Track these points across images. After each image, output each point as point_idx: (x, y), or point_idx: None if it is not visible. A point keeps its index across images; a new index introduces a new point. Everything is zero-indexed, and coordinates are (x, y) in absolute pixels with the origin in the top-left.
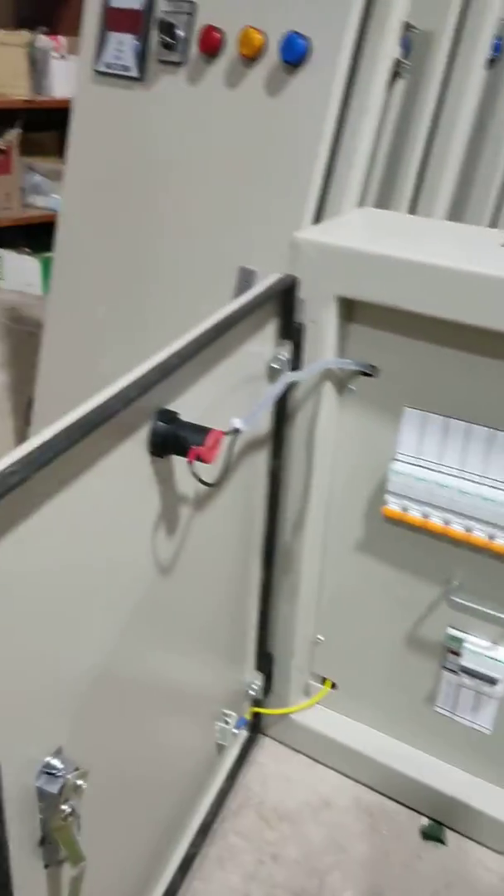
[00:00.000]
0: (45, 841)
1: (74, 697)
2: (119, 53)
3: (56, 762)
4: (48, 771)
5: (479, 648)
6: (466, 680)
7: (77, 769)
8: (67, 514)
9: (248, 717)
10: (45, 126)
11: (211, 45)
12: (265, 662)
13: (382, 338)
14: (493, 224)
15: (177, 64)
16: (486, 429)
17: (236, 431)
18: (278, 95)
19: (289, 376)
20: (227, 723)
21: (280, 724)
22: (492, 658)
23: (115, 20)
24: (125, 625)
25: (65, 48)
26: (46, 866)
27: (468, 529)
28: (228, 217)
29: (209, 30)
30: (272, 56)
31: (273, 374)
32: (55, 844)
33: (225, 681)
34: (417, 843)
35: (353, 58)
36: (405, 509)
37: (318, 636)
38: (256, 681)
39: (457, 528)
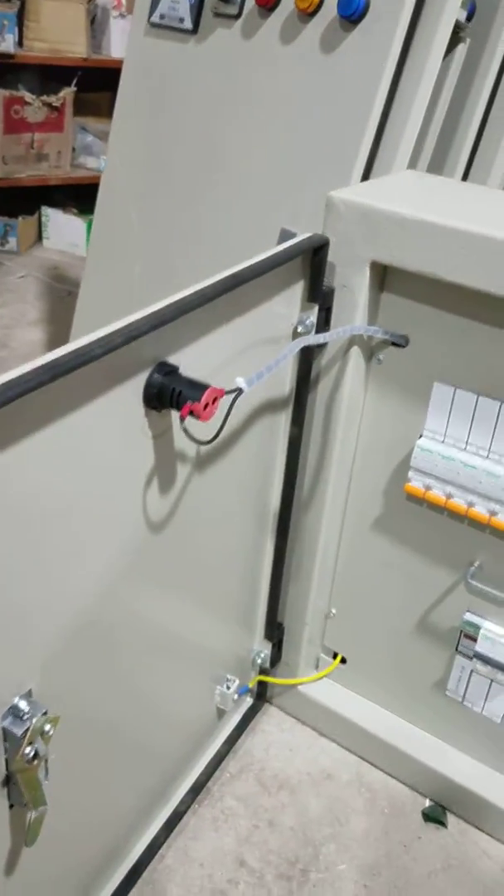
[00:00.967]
0: (9, 781)
1: (50, 640)
2: (174, 5)
3: (23, 704)
4: (15, 713)
5: (496, 635)
6: (480, 666)
7: (45, 714)
8: (56, 447)
9: (251, 684)
10: (100, 86)
11: None
12: (275, 632)
13: (416, 308)
14: None
15: (232, 17)
16: None
17: (238, 391)
18: (333, 53)
19: (306, 339)
20: (228, 687)
21: (287, 695)
22: None
23: None
24: (114, 573)
25: (125, 7)
26: (11, 806)
27: (492, 513)
28: (274, 178)
29: None
30: (329, 11)
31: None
32: (18, 786)
33: (230, 645)
34: (418, 823)
35: (412, 17)
36: (428, 488)
37: (332, 610)
38: (265, 650)
39: (480, 510)
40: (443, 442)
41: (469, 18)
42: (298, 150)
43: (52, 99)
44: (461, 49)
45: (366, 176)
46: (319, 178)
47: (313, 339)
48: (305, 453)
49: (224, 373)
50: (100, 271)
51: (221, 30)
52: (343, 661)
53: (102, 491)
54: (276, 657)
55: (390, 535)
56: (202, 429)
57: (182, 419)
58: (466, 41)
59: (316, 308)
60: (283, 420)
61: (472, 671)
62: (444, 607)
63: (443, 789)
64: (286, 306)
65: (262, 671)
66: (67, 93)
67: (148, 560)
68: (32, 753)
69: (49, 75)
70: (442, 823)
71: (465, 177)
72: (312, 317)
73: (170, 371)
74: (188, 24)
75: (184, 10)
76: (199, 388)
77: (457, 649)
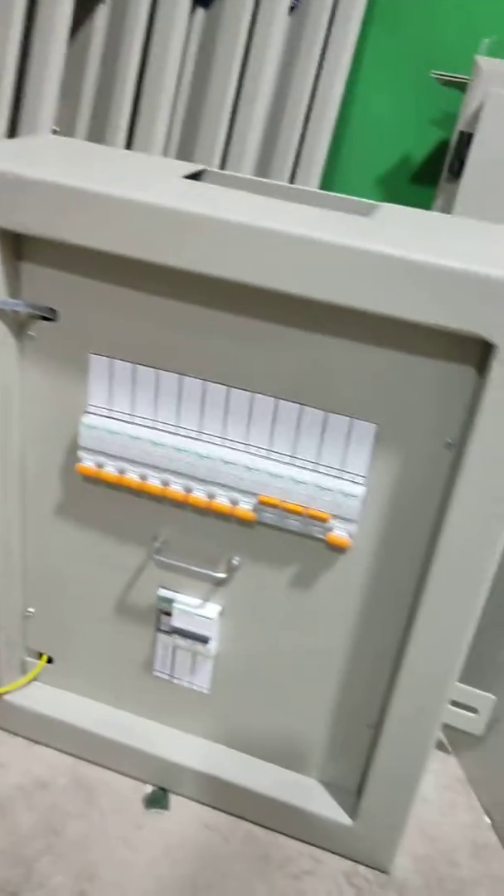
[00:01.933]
0: None
1: None
2: None
3: None
4: None
5: (188, 607)
6: (180, 641)
7: None
8: None
9: None
10: None
11: None
12: None
13: (62, 279)
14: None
15: None
16: (174, 375)
17: None
18: None
19: None
20: None
21: None
22: (202, 616)
23: None
24: None
25: None
26: None
27: (165, 483)
28: None
29: None
30: None
31: None
32: None
33: None
34: (140, 813)
35: None
36: (100, 466)
37: (29, 608)
38: None
39: (154, 482)
40: (108, 416)
41: None
42: None
43: None
44: (103, 11)
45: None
46: None
47: None
48: None
49: None
50: None
51: None
52: (50, 660)
53: None
54: None
55: (74, 521)
56: None
57: None
58: (107, 2)
59: None
60: None
61: (174, 647)
62: (138, 587)
63: (162, 771)
64: None
65: None
66: None
67: None
68: None
69: None
70: (164, 807)
71: (128, 143)
72: None
73: None
74: None
75: None
76: None
77: (157, 628)
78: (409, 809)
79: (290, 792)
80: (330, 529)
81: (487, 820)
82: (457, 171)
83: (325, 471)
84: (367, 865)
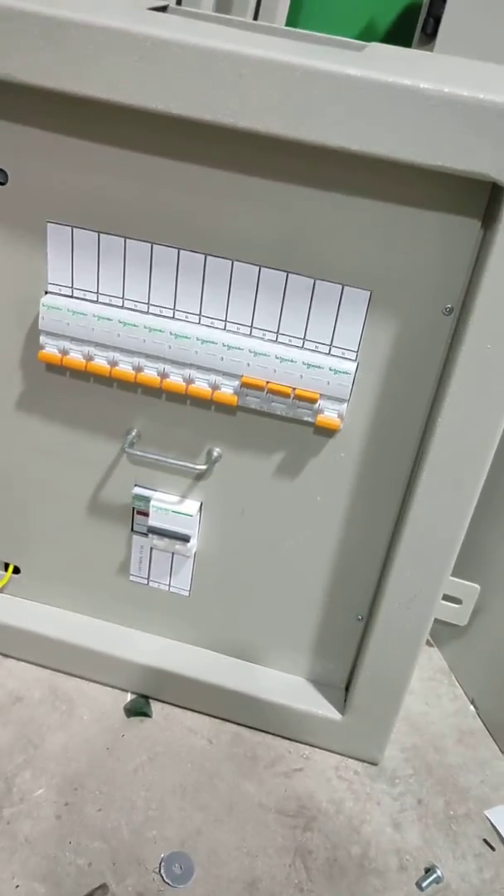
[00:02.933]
0: None
1: None
2: None
3: None
4: None
5: (166, 505)
6: (158, 541)
7: None
8: None
9: None
10: None
11: None
12: None
13: (13, 133)
14: None
15: None
16: (144, 244)
17: None
18: None
19: None
20: None
21: None
22: (181, 513)
23: None
24: None
25: None
26: None
27: (138, 369)
28: None
29: None
30: None
31: None
32: None
33: None
34: (122, 721)
35: None
36: (65, 352)
37: None
38: None
39: (125, 367)
40: (71, 296)
41: None
42: None
43: None
44: None
45: None
46: None
47: None
48: None
49: None
50: None
51: None
52: (16, 570)
53: None
54: None
55: (37, 415)
56: None
57: None
58: None
59: None
60: None
61: (151, 549)
62: (111, 486)
63: (142, 678)
64: None
65: None
66: None
67: None
68: None
69: None
70: (146, 714)
71: None
72: None
73: None
74: None
75: None
76: None
77: (132, 529)
78: (400, 701)
79: (278, 691)
80: (319, 411)
81: (472, 708)
82: (431, 31)
83: (313, 346)
84: (357, 759)
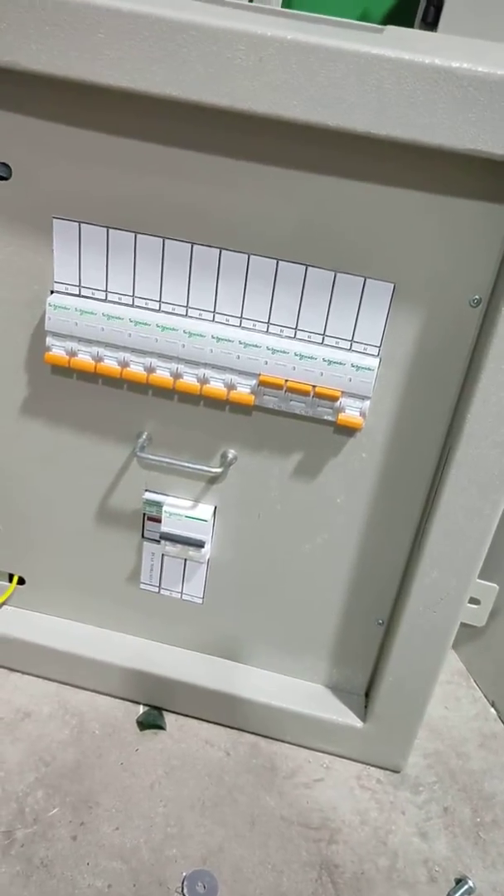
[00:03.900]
0: None
1: None
2: None
3: None
4: None
5: (180, 510)
6: (170, 548)
7: None
8: None
9: None
10: None
11: None
12: None
13: (17, 124)
14: None
15: None
16: (155, 239)
17: None
18: None
19: None
20: None
21: None
22: (195, 518)
23: None
24: None
25: None
26: None
27: (150, 369)
28: None
29: None
30: None
31: None
32: None
33: None
34: (135, 735)
35: None
36: (73, 353)
37: None
38: None
39: (137, 368)
40: (79, 294)
41: None
42: None
43: None
44: None
45: None
46: None
47: None
48: None
49: None
50: None
51: None
52: (21, 581)
53: None
54: None
55: (43, 420)
56: None
57: None
58: None
59: None
60: None
61: (163, 555)
62: (120, 492)
63: (155, 689)
64: None
65: None
66: None
67: None
68: None
69: None
70: (160, 727)
71: None
72: None
73: None
74: None
75: None
76: None
77: (143, 536)
78: (424, 707)
79: (296, 699)
80: (341, 409)
81: (493, 710)
82: (432, 20)
83: (334, 342)
84: (379, 767)
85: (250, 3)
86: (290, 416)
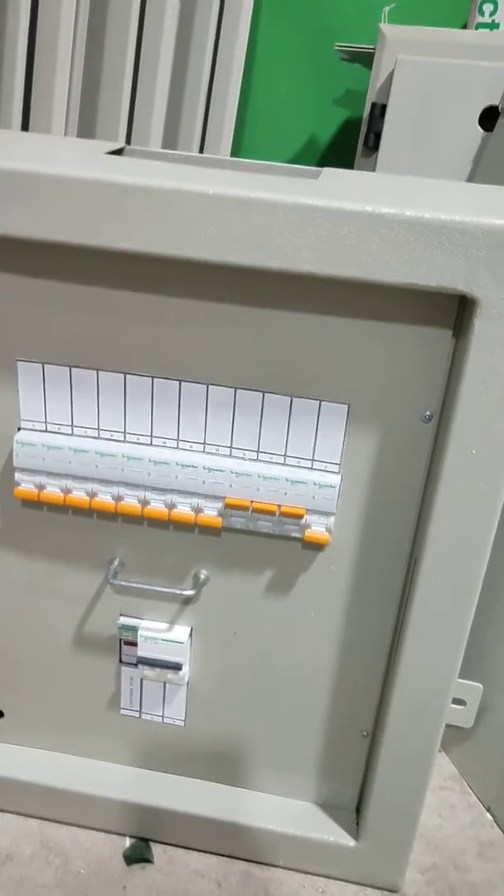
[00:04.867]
0: None
1: None
2: None
3: None
4: None
5: (155, 633)
6: (148, 671)
7: None
8: None
9: None
10: None
11: None
12: None
13: None
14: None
15: None
16: (117, 375)
17: None
18: None
19: None
20: None
21: None
22: (170, 640)
23: None
24: None
25: None
26: None
27: (118, 498)
28: None
29: None
30: None
31: None
32: None
33: None
34: (122, 871)
35: None
36: (41, 487)
37: None
38: None
39: (105, 498)
40: (45, 430)
41: None
42: None
43: None
44: None
45: None
46: None
47: None
48: None
49: None
50: None
51: None
52: (0, 714)
53: None
54: None
55: (15, 552)
56: None
57: None
58: None
59: None
60: None
61: (141, 679)
62: (95, 618)
63: (140, 820)
64: None
65: None
66: None
67: None
68: None
69: None
70: (147, 860)
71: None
72: None
73: None
74: None
75: None
76: None
77: (120, 660)
78: (416, 820)
79: (285, 820)
80: (307, 526)
81: (489, 816)
82: (373, 145)
83: (295, 462)
84: (376, 887)
85: (200, 155)
86: (259, 534)
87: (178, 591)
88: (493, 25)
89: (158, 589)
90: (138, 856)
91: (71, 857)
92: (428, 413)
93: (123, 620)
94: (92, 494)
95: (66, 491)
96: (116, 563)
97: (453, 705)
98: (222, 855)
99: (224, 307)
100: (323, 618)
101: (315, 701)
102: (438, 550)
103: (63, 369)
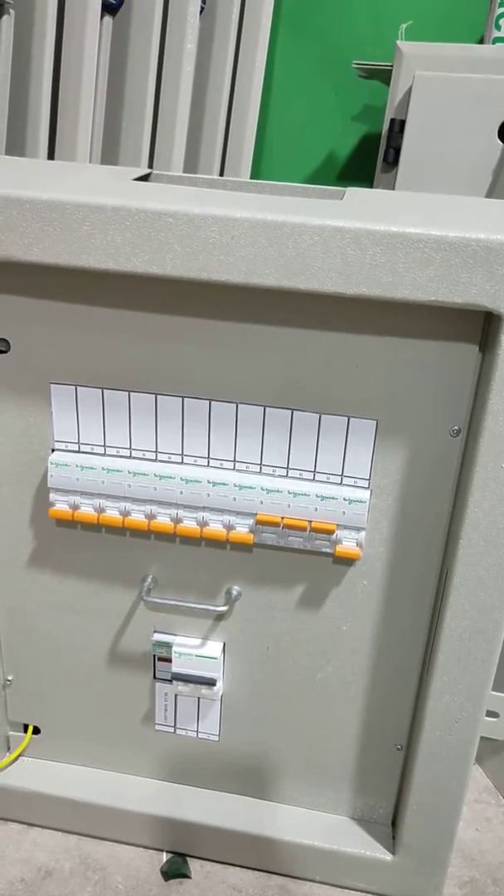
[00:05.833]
0: None
1: None
2: None
3: None
4: None
5: (189, 649)
6: (182, 687)
7: None
8: None
9: None
10: None
11: None
12: None
13: (14, 303)
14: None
15: None
16: (148, 395)
17: None
18: None
19: None
20: None
21: None
22: (204, 656)
23: None
24: None
25: None
26: None
27: (151, 516)
28: None
29: None
30: None
31: None
32: None
33: None
34: (160, 886)
35: None
36: (76, 507)
37: (7, 676)
38: None
39: (138, 516)
40: (78, 451)
41: None
42: None
43: None
44: (7, 21)
45: None
46: None
47: None
48: None
49: None
50: None
51: None
52: (36, 731)
53: None
54: None
55: (50, 571)
56: None
57: None
58: (11, 13)
59: None
60: None
61: (175, 695)
62: (130, 635)
63: (178, 835)
64: None
65: None
66: None
67: None
68: None
69: None
70: (185, 875)
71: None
72: None
73: None
74: None
75: None
76: None
77: (155, 676)
78: (454, 834)
79: (321, 835)
80: (338, 541)
81: None
82: (392, 160)
83: (324, 478)
84: None
85: (226, 178)
86: (290, 550)
87: (211, 608)
88: None
89: (191, 605)
90: (175, 871)
91: (109, 873)
92: (456, 427)
93: (158, 637)
94: (125, 513)
95: (100, 510)
96: (150, 580)
97: (487, 717)
98: (259, 870)
99: (252, 327)
100: (355, 632)
101: (348, 715)
102: (469, 563)
103: (95, 391)
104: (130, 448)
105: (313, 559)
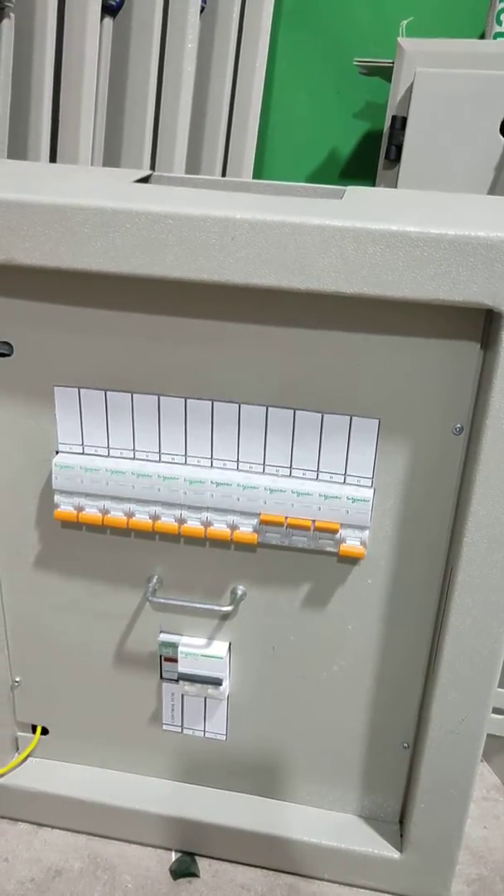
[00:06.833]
0: None
1: None
2: None
3: None
4: None
5: (194, 649)
6: (189, 687)
7: None
8: None
9: None
10: None
11: None
12: None
13: (17, 307)
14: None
15: None
16: (151, 397)
17: None
18: None
19: None
20: None
21: None
22: (210, 656)
23: None
24: None
25: None
26: None
27: (155, 517)
28: None
29: None
30: None
31: None
32: None
33: None
34: (168, 885)
35: None
36: (80, 508)
37: (15, 678)
38: None
39: (142, 517)
40: (82, 453)
41: None
42: None
43: None
44: (7, 24)
45: None
46: None
47: None
48: None
49: None
50: None
51: None
52: (44, 731)
53: None
54: None
55: (55, 573)
56: None
57: None
58: (12, 16)
59: None
60: None
61: (182, 695)
62: (136, 636)
63: (186, 834)
64: None
65: None
66: None
67: None
68: None
69: None
70: (193, 874)
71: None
72: None
73: None
74: None
75: None
76: None
77: (161, 676)
78: (461, 831)
79: (329, 833)
80: (342, 540)
81: None
82: (394, 157)
83: (328, 477)
84: None
85: (226, 179)
86: (294, 549)
87: (216, 608)
88: None
89: (196, 605)
90: (184, 870)
91: (118, 872)
92: (459, 425)
93: (164, 637)
94: (129, 514)
95: (104, 512)
96: (155, 580)
97: (494, 715)
98: (267, 868)
99: (253, 327)
100: (360, 630)
101: (355, 713)
102: (474, 560)
103: (98, 393)
104: (134, 449)
105: (317, 558)
